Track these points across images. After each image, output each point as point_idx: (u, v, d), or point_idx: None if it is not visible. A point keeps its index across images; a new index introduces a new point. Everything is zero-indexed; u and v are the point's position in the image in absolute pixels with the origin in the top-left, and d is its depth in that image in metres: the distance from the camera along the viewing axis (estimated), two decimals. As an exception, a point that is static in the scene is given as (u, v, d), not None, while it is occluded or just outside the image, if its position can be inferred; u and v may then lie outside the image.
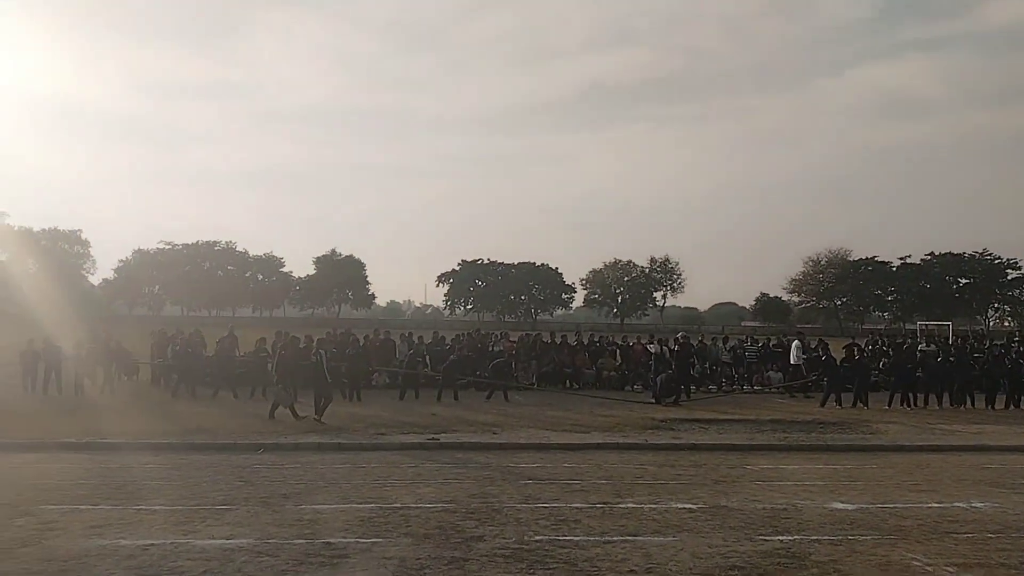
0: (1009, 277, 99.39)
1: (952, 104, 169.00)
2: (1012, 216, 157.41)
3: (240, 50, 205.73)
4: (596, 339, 26.17)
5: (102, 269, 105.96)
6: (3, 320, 31.23)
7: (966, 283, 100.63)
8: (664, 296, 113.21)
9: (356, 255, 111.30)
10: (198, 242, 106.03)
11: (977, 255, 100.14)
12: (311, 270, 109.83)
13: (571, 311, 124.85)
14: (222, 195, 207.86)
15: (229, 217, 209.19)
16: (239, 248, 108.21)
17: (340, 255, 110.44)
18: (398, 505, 8.96)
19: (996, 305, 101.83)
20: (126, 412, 16.42)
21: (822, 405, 19.78)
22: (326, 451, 12.68)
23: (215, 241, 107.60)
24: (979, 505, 9.46)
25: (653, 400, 19.64)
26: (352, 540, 7.52)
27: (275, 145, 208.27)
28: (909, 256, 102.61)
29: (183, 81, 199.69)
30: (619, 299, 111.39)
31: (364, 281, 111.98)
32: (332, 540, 7.49)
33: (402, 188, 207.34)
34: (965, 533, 8.12)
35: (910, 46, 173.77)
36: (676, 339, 22.50)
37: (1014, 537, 7.98)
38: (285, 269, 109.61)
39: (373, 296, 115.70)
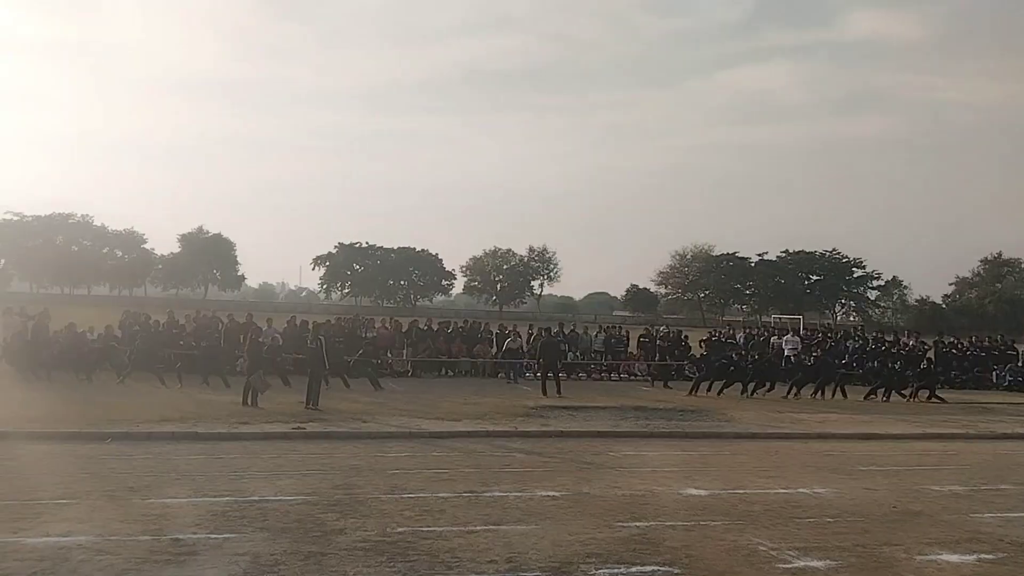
0: (855, 275, 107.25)
1: (812, 109, 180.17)
2: (859, 216, 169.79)
3: (104, 10, 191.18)
4: (470, 326, 26.22)
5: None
6: None
7: (816, 279, 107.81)
8: (541, 285, 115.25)
9: (226, 234, 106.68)
10: (51, 214, 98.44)
11: (827, 253, 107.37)
12: (176, 248, 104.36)
13: (451, 298, 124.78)
14: (78, 165, 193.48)
15: (88, 190, 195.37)
16: (96, 223, 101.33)
17: (208, 233, 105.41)
18: (256, 498, 8.61)
19: (843, 301, 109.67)
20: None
21: (691, 393, 20.65)
22: (181, 440, 12.04)
23: (70, 214, 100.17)
24: (820, 491, 10.12)
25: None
26: (203, 536, 7.16)
27: (140, 113, 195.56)
28: (766, 253, 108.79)
29: (40, 38, 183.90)
30: (498, 287, 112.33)
31: (234, 261, 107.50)
32: (181, 536, 7.10)
33: (277, 164, 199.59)
34: (807, 518, 8.66)
35: (776, 51, 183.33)
36: (542, 331, 22.83)
37: (850, 521, 8.57)
38: (147, 246, 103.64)
39: (243, 277, 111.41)
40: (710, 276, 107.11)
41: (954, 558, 7.34)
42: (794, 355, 24.44)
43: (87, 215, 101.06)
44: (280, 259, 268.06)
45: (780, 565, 6.98)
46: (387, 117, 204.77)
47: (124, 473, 9.63)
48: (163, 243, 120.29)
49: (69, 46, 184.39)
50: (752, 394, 20.84)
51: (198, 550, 6.74)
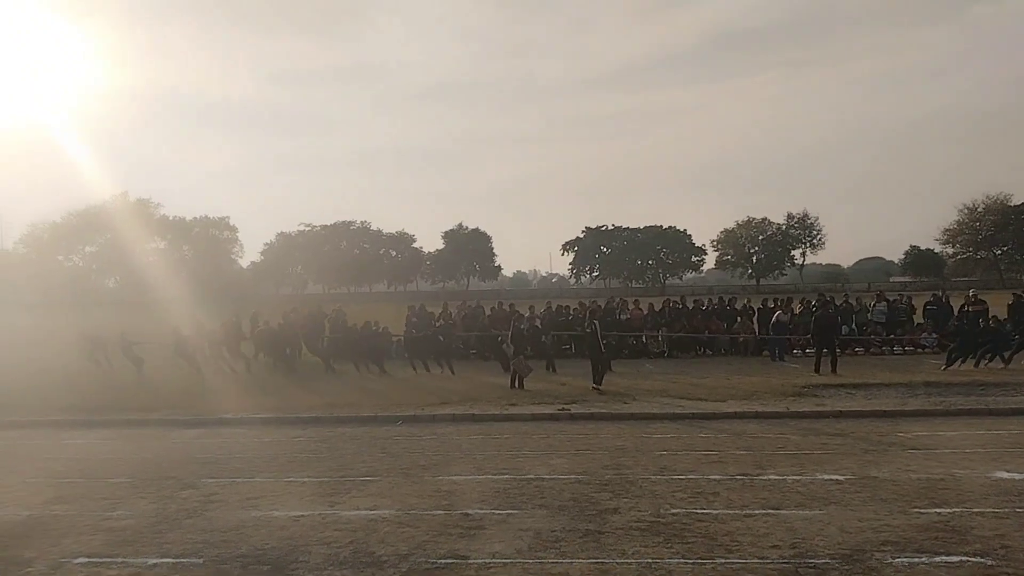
0: None
1: None
2: None
3: (364, 34, 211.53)
4: (727, 302, 25.31)
5: (249, 253, 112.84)
6: (162, 305, 33.79)
7: None
8: (803, 254, 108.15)
9: (482, 228, 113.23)
10: (335, 223, 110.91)
11: None
12: (440, 245, 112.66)
13: (702, 274, 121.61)
14: (353, 177, 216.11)
15: (365, 198, 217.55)
16: (373, 227, 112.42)
17: (467, 229, 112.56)
18: (532, 476, 9.03)
19: None
20: (273, 389, 17.43)
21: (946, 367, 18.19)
22: (461, 422, 12.98)
23: (350, 221, 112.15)
24: None
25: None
26: (488, 511, 7.65)
27: (407, 123, 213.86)
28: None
29: (312, 69, 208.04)
30: (754, 259, 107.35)
31: (491, 253, 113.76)
32: (469, 511, 7.65)
33: (526, 157, 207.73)
34: None
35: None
36: (814, 304, 21.30)
37: None
38: (416, 245, 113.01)
39: (499, 268, 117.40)
40: (1008, 230, 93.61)
41: None
42: None
43: (366, 221, 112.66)
44: (533, 247, 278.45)
45: None
46: (631, 95, 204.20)
47: (415, 452, 10.59)
48: (429, 241, 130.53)
49: (344, 70, 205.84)
50: None
51: (485, 524, 7.22)
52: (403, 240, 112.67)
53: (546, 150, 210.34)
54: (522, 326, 18.86)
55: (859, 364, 19.85)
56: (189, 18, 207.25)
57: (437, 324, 22.47)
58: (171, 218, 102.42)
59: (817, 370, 17.97)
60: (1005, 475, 8.66)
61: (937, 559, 6.11)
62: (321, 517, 7.59)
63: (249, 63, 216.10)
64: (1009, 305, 22.71)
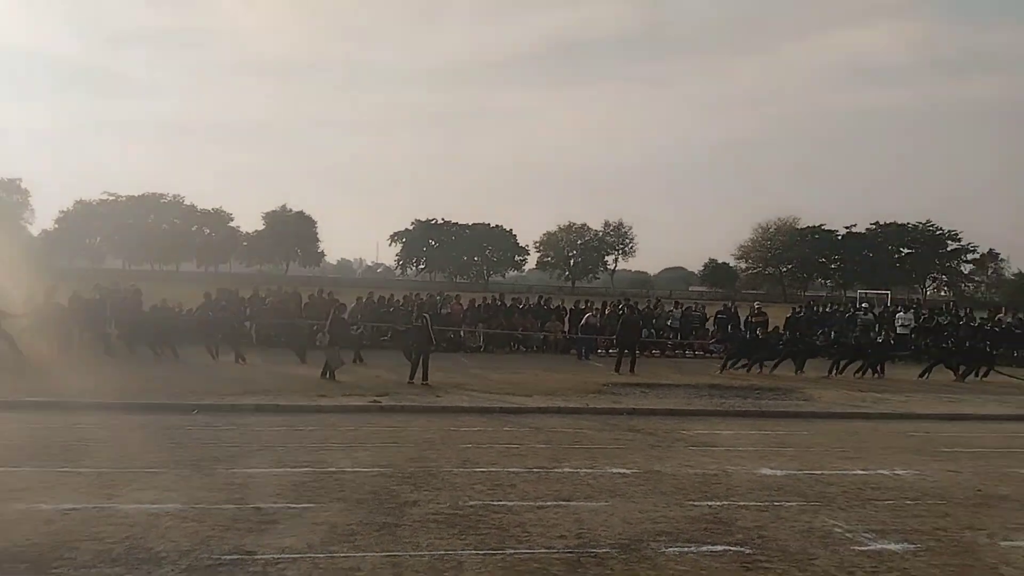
0: (949, 248, 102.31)
1: (911, 72, 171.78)
2: (956, 186, 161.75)
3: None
4: (543, 302, 26.23)
5: (42, 220, 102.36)
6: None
7: (908, 253, 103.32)
8: (615, 260, 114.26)
9: (308, 212, 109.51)
10: (144, 194, 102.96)
11: (920, 225, 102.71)
12: (260, 226, 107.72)
13: (523, 273, 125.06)
14: (171, 148, 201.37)
15: (181, 171, 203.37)
16: (187, 202, 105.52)
17: (291, 211, 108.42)
18: (333, 469, 8.89)
19: (934, 275, 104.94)
20: (62, 371, 15.92)
21: (722, 370, 20.16)
22: (264, 413, 12.50)
23: (161, 194, 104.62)
24: (901, 472, 9.78)
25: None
26: (283, 505, 7.45)
27: (229, 97, 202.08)
28: (855, 225, 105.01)
29: (133, 29, 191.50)
30: (571, 262, 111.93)
31: (314, 238, 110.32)
32: (262, 505, 7.40)
33: (358, 143, 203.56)
34: (886, 500, 8.40)
35: (878, 11, 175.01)
36: (620, 307, 22.63)
37: (930, 503, 8.29)
38: (233, 224, 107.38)
39: (323, 254, 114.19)
40: (794, 250, 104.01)
41: (1045, 546, 7.01)
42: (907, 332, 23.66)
43: (178, 195, 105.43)
44: (359, 236, 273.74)
45: (855, 547, 6.80)
46: (468, 93, 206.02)
47: (209, 443, 10.08)
48: (249, 221, 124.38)
49: (170, 34, 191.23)
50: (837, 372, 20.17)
51: (278, 519, 7.01)
52: (219, 218, 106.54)
53: (379, 139, 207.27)
54: (344, 315, 18.46)
55: (654, 365, 21.27)
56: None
57: (245, 309, 21.50)
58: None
59: (617, 369, 19.07)
60: (768, 472, 9.62)
61: (704, 548, 6.68)
62: (96, 511, 7.04)
63: (63, 16, 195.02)
64: (787, 318, 25.36)
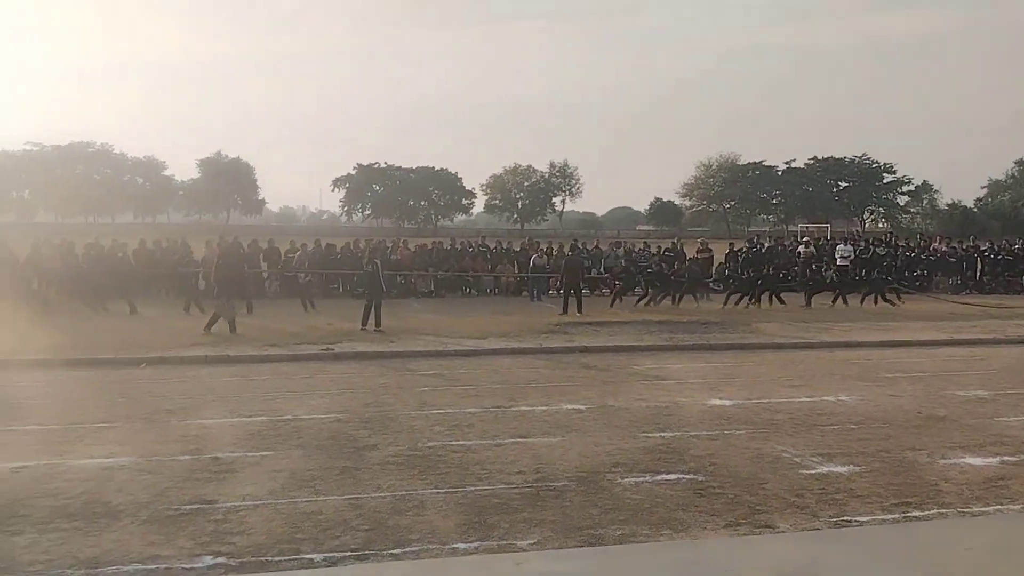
0: (885, 181, 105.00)
1: (843, 6, 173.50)
2: (890, 120, 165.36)
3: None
4: (494, 246, 26.23)
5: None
6: None
7: (845, 186, 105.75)
8: (563, 201, 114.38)
9: (245, 159, 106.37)
10: (70, 144, 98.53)
11: (856, 159, 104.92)
12: (196, 174, 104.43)
13: (472, 217, 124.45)
14: (93, 93, 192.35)
15: (105, 117, 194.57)
16: (116, 151, 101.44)
17: (226, 158, 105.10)
18: (289, 417, 8.85)
19: (872, 208, 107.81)
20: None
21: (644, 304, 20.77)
22: (214, 364, 12.34)
23: (88, 142, 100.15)
24: (845, 398, 10.18)
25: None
26: (241, 454, 7.40)
27: (151, 37, 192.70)
28: (794, 160, 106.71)
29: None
30: (519, 204, 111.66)
31: (254, 185, 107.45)
32: (219, 455, 7.34)
33: (291, 85, 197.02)
34: (831, 425, 8.74)
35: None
36: (564, 249, 22.77)
37: (874, 427, 8.65)
38: (167, 173, 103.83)
39: (264, 201, 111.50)
40: (736, 186, 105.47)
41: (977, 461, 7.40)
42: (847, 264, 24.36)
43: (106, 144, 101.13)
44: (301, 183, 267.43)
45: (803, 471, 7.09)
46: (405, 31, 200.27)
47: (160, 397, 9.92)
48: (184, 170, 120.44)
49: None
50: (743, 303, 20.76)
51: (237, 468, 6.98)
52: (152, 166, 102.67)
53: (317, 80, 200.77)
54: (221, 262, 16.14)
55: (604, 304, 21.52)
56: None
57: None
58: None
59: (565, 311, 19.03)
60: (718, 402, 9.91)
61: (659, 477, 6.88)
62: (48, 468, 6.90)
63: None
64: (726, 254, 26.15)
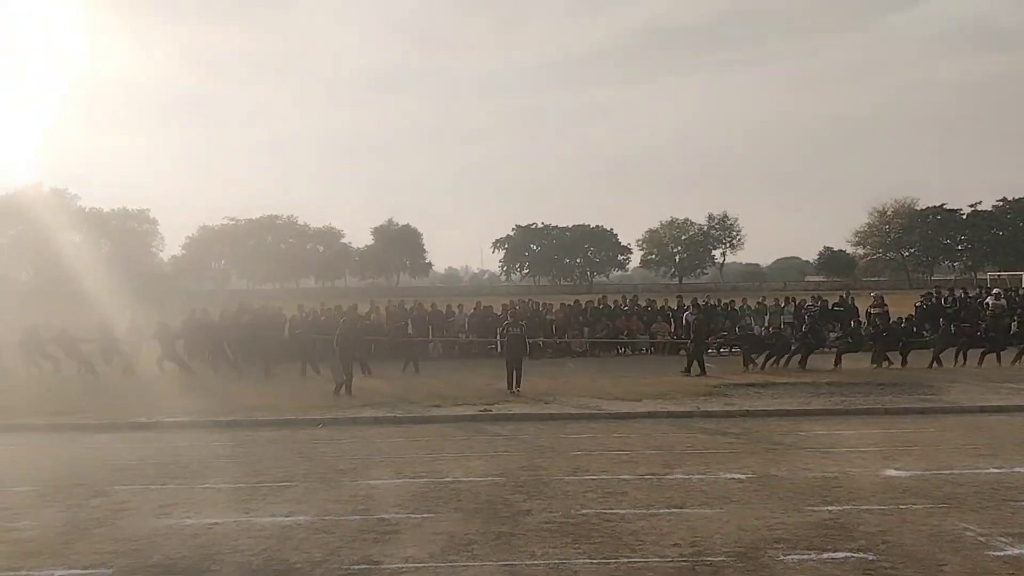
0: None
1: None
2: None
3: (286, 21, 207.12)
4: (647, 305, 25.95)
5: (170, 246, 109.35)
6: (77, 299, 32.49)
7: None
8: (723, 253, 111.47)
9: (413, 224, 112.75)
10: (260, 217, 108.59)
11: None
12: (370, 240, 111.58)
13: (627, 272, 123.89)
14: (279, 168, 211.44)
15: (290, 191, 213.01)
16: (300, 221, 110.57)
17: (397, 225, 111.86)
18: (449, 479, 9.20)
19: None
20: (192, 391, 17.07)
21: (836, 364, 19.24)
22: (383, 424, 13.04)
23: (276, 215, 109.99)
24: (1041, 470, 9.22)
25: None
26: (404, 515, 7.79)
27: (328, 114, 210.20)
28: (980, 202, 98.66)
29: (235, 57, 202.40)
30: (676, 259, 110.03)
31: (421, 249, 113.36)
32: (385, 516, 7.77)
33: (457, 151, 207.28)
34: (1023, 501, 7.94)
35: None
36: (691, 307, 21.95)
37: (1075, 505, 7.78)
38: (345, 240, 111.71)
39: (430, 264, 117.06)
40: (915, 233, 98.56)
41: None
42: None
43: (292, 216, 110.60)
44: (464, 243, 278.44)
45: (990, 552, 6.50)
46: (562, 91, 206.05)
47: (334, 456, 10.62)
48: (359, 236, 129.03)
49: (264, 57, 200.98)
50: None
51: (401, 529, 7.36)
52: (331, 235, 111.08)
53: (477, 146, 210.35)
54: (341, 329, 16.80)
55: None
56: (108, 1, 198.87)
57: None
58: (87, 209, 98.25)
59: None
60: (893, 473, 9.26)
61: (824, 556, 6.54)
62: (235, 524, 7.59)
63: (173, 51, 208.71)
64: (916, 307, 24.21)
